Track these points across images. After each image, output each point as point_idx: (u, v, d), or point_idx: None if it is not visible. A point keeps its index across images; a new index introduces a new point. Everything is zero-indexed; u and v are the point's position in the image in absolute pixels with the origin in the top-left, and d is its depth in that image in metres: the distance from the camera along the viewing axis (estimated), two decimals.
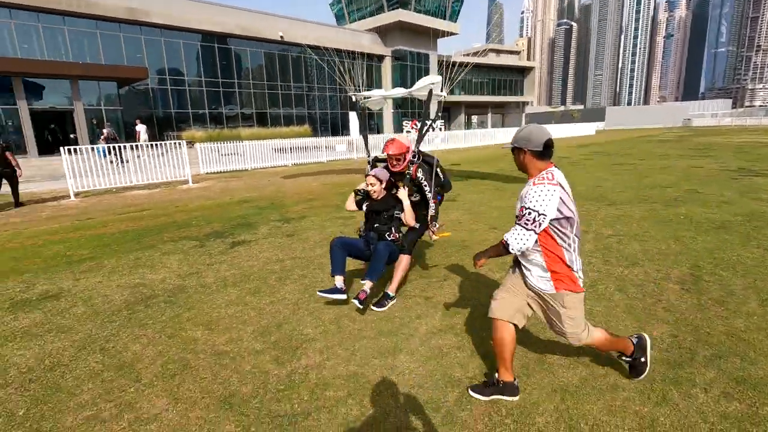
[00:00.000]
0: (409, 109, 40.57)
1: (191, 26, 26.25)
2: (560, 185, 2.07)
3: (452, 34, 41.03)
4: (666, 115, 63.26)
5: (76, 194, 10.85)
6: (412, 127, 33.93)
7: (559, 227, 2.10)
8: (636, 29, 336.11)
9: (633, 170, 12.23)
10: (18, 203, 9.55)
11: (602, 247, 5.03)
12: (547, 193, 2.03)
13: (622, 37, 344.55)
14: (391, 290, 3.67)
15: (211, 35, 27.69)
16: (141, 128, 18.37)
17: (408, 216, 3.69)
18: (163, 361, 2.91)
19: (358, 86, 5.41)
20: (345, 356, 2.88)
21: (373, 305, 3.58)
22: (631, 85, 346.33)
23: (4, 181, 9.50)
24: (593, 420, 2.17)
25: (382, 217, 3.73)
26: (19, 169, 9.60)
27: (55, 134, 21.35)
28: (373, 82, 39.15)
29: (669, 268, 4.26)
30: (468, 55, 56.94)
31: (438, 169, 3.85)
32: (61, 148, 10.41)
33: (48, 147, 20.02)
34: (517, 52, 60.32)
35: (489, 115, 55.22)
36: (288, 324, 3.39)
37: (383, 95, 4.53)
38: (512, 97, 56.17)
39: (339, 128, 36.02)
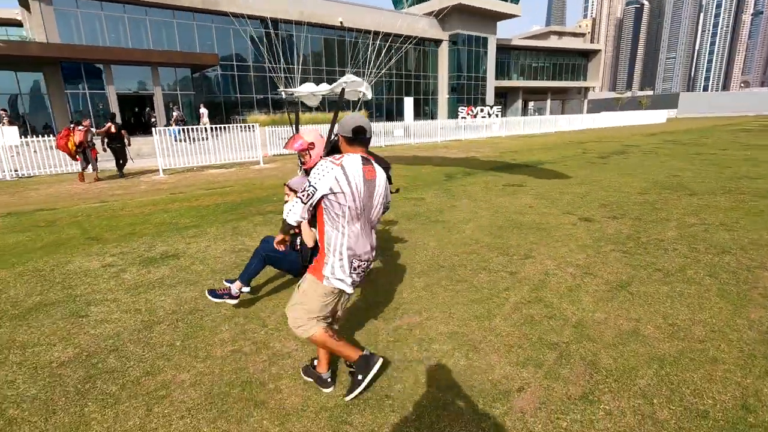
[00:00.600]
0: (465, 95, 39.84)
1: (255, 13, 27.28)
2: (342, 167, 2.03)
3: (513, 16, 39.47)
4: (750, 101, 57.41)
5: (164, 171, 11.91)
6: (468, 113, 33.39)
7: (330, 208, 2.08)
8: (718, 6, 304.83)
9: (714, 160, 11.47)
10: (122, 174, 10.90)
11: (687, 234, 4.93)
12: (324, 170, 2.03)
13: (701, 15, 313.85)
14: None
15: (274, 22, 28.65)
16: (204, 111, 19.77)
17: (303, 234, 3.13)
18: (282, 312, 3.33)
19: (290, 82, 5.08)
20: (443, 318, 3.16)
21: None
22: (708, 69, 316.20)
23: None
24: (694, 386, 2.30)
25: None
26: (129, 141, 11.38)
27: (137, 117, 23.27)
28: (429, 66, 38.78)
29: (764, 257, 4.14)
30: (528, 38, 54.72)
31: None
32: (153, 129, 11.48)
33: (130, 129, 21.84)
34: (582, 35, 57.04)
35: (548, 101, 52.93)
36: (384, 289, 3.72)
37: (310, 91, 4.27)
38: (574, 83, 53.37)
39: (393, 114, 36.20)
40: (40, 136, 12.15)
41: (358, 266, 2.20)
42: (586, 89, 55.65)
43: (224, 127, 14.18)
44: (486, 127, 24.93)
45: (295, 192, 3.16)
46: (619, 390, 2.28)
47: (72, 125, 10.21)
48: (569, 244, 4.72)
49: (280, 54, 6.13)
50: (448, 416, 2.15)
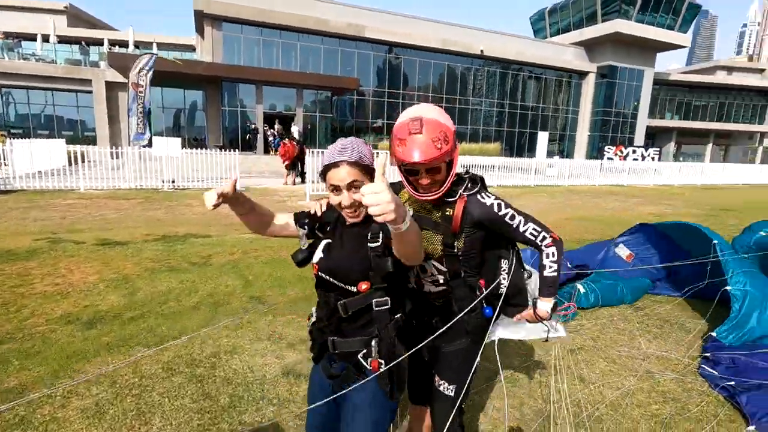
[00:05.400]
0: (610, 133, 35.06)
1: (397, 39, 26.99)
2: None
3: (679, 47, 34.02)
4: None
5: (310, 196, 10.88)
6: (616, 154, 28.96)
7: None
8: None
9: None
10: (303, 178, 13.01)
11: None
12: None
13: None
14: None
15: (411, 49, 28.11)
16: (295, 129, 19.21)
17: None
18: None
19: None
20: None
21: None
22: None
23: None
24: None
25: (350, 305, 1.33)
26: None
27: (275, 136, 23.95)
28: (569, 100, 35.11)
29: None
30: (690, 72, 47.59)
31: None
32: (307, 150, 10.55)
33: (267, 147, 22.40)
34: (760, 70, 47.74)
35: (709, 146, 44.62)
36: None
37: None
38: (749, 126, 44.48)
39: (524, 149, 33.15)
40: (198, 149, 12.10)
41: None
42: (763, 135, 46.06)
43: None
44: (655, 172, 20.67)
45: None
46: None
47: (286, 140, 13.67)
48: None
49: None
50: None
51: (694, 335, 3.58)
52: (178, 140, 11.85)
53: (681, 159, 44.66)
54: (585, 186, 17.81)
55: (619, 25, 30.94)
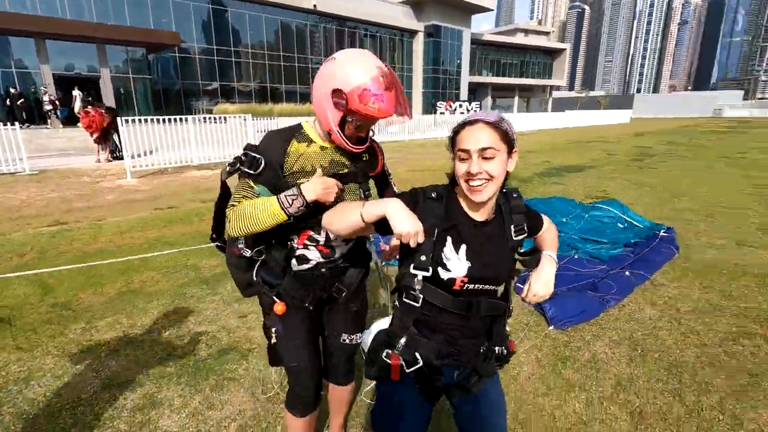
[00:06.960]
0: (441, 90, 38.44)
1: None
2: None
3: (487, 9, 38.55)
4: (696, 104, 61.19)
5: (131, 173, 9.24)
6: (446, 108, 32.12)
7: None
8: (650, 14, 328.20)
9: (756, 165, 10.69)
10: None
11: None
12: None
13: (635, 22, 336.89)
14: None
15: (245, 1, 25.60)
16: (77, 94, 15.79)
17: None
18: None
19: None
20: None
21: None
22: (641, 73, 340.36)
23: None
24: None
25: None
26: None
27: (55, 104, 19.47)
28: (403, 59, 37.04)
29: None
30: (497, 34, 54.60)
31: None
32: (118, 119, 8.82)
33: (73, 117, 18.24)
34: (546, 33, 57.67)
35: (516, 98, 52.98)
36: None
37: None
38: (541, 80, 53.88)
39: None
40: None
41: None
42: (552, 87, 56.45)
43: (212, 118, 11.69)
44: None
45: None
46: None
47: (89, 107, 10.96)
48: None
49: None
50: None
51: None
52: None
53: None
54: (423, 139, 19.35)
55: None
